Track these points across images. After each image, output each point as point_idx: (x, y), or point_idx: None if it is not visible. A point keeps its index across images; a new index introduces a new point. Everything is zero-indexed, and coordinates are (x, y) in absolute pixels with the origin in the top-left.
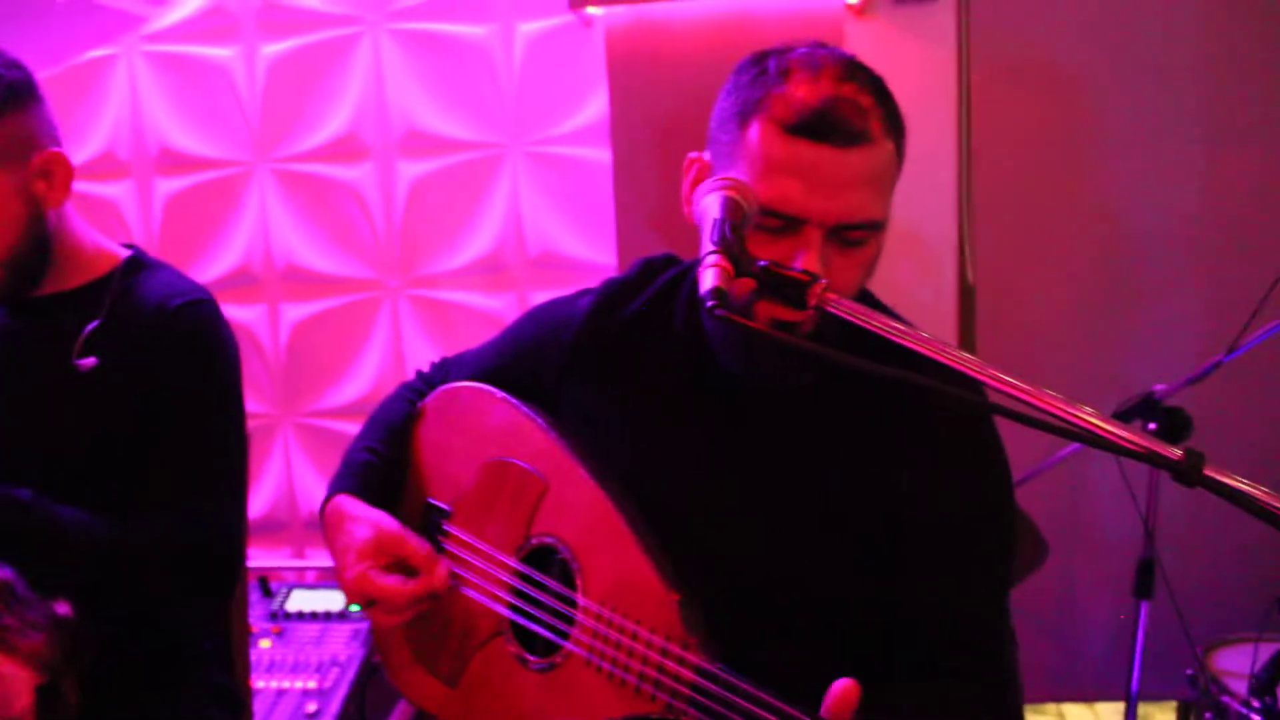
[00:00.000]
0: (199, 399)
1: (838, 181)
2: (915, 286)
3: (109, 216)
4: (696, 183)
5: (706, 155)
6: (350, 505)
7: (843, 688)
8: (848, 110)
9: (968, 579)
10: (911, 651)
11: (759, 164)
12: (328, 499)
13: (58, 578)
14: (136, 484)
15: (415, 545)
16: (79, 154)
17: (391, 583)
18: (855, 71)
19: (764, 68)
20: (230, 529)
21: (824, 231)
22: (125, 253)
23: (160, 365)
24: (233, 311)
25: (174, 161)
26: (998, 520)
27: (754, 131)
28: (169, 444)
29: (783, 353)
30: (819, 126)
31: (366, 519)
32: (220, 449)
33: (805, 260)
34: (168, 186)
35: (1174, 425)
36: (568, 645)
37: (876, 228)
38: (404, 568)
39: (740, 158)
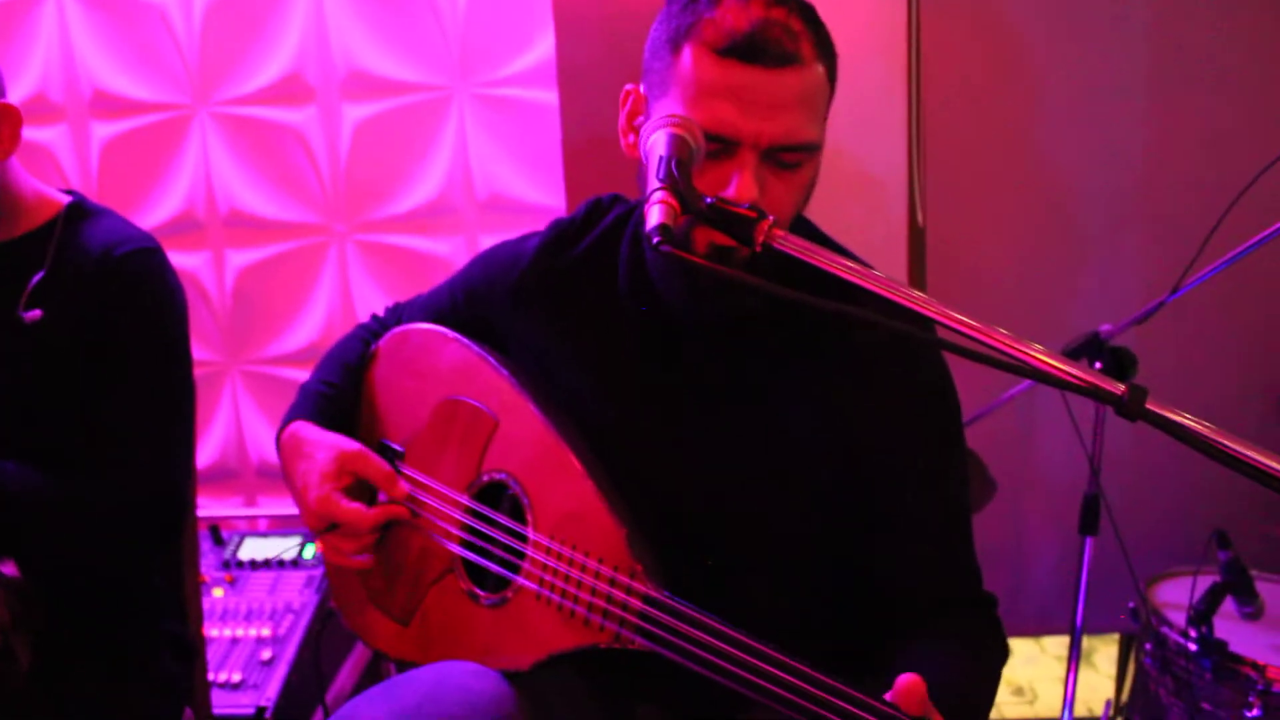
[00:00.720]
0: (145, 348)
1: (771, 102)
2: (866, 227)
3: (44, 162)
4: (633, 115)
5: (641, 87)
6: (308, 431)
7: (909, 681)
8: (778, 32)
9: (937, 510)
10: (892, 586)
11: (691, 88)
12: (283, 427)
13: (2, 534)
14: (82, 435)
15: (377, 462)
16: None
17: (355, 506)
18: None
19: None
20: (176, 478)
21: (758, 154)
22: (66, 199)
23: (106, 315)
24: (177, 259)
25: (110, 105)
26: (954, 448)
27: (686, 57)
28: (115, 394)
29: (724, 284)
30: (750, 48)
31: (325, 442)
32: (167, 398)
33: (740, 182)
34: (105, 131)
35: (1119, 364)
36: (518, 579)
37: (811, 150)
38: (366, 492)
39: (673, 84)
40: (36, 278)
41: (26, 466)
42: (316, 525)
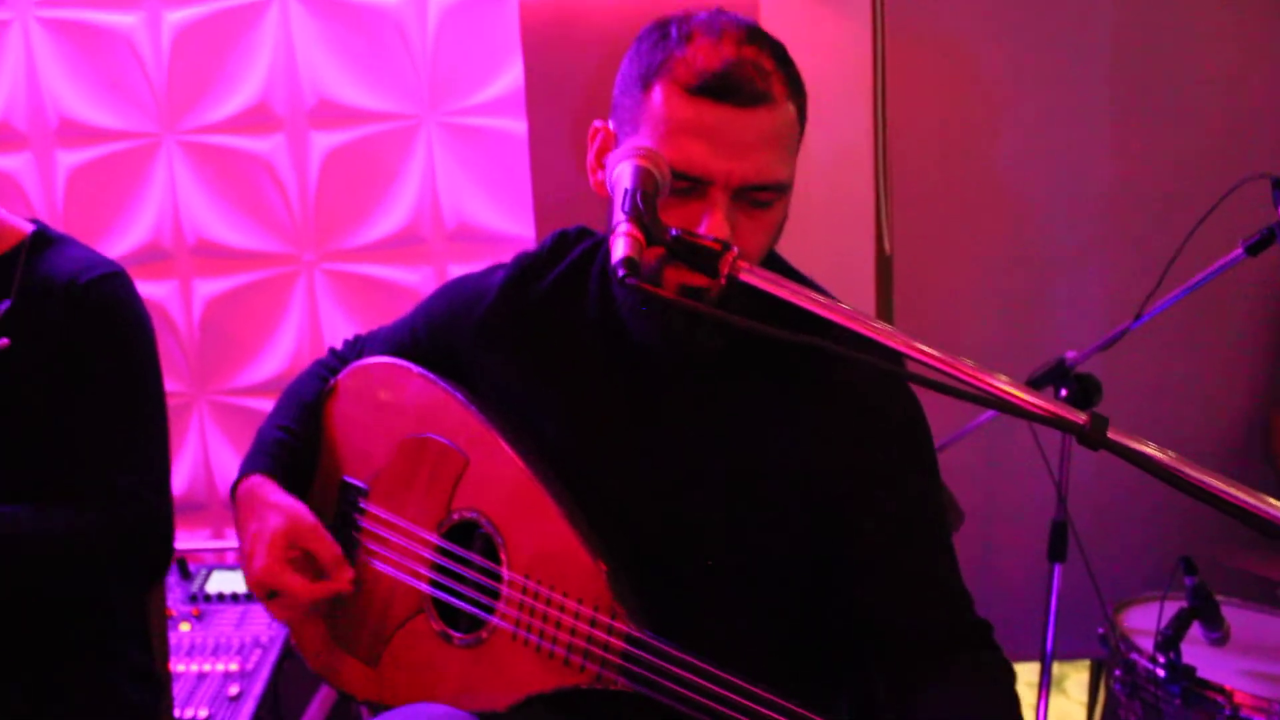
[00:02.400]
0: (117, 374)
1: (741, 142)
2: (833, 255)
3: (9, 190)
4: (602, 152)
5: (610, 124)
6: (264, 488)
7: None
8: (750, 71)
9: (918, 541)
10: (879, 618)
11: (662, 126)
12: (240, 479)
13: None
14: (57, 467)
15: (328, 543)
16: None
17: (297, 580)
18: (756, 35)
19: (666, 32)
20: (159, 506)
21: (729, 193)
22: (29, 228)
23: (74, 342)
24: (144, 288)
25: (76, 133)
26: (930, 478)
27: (657, 94)
28: (90, 423)
29: (692, 320)
30: (721, 87)
31: (281, 506)
32: (143, 425)
33: (711, 221)
34: (70, 159)
35: (1085, 391)
36: (493, 620)
37: (782, 189)
38: (312, 564)
39: (644, 121)
40: (3, 307)
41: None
42: (258, 592)
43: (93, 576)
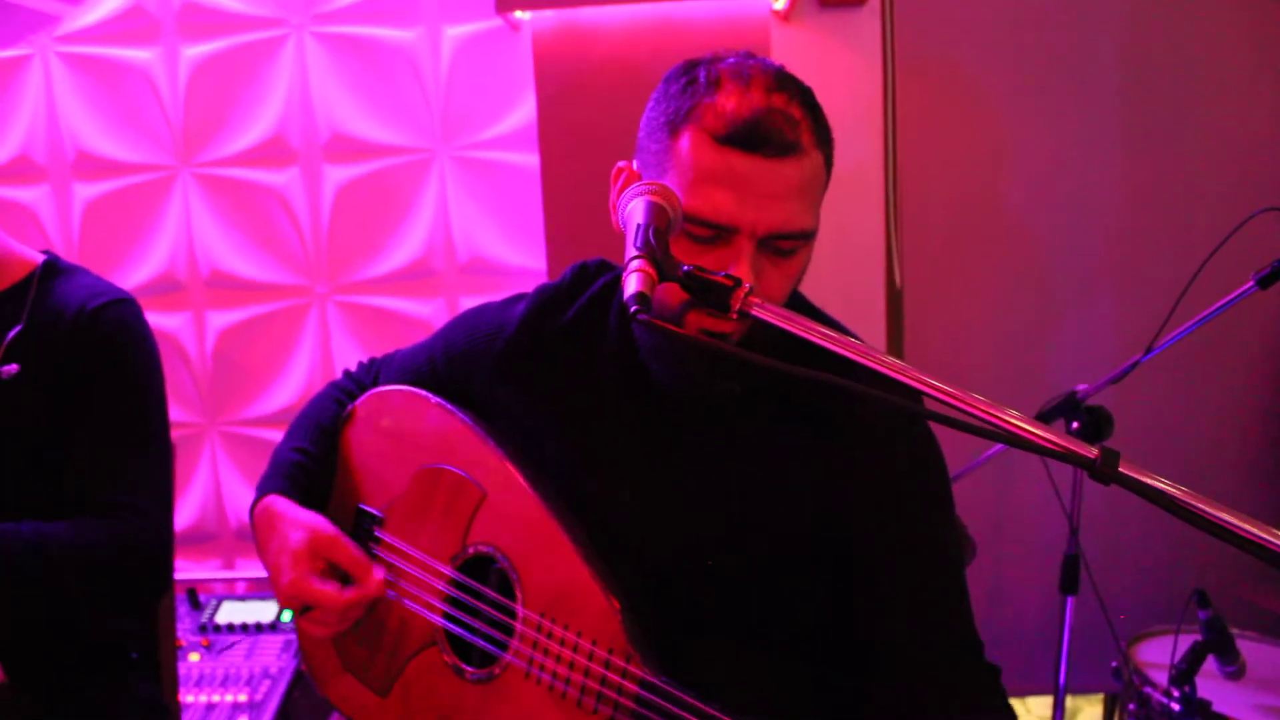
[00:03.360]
0: (123, 398)
1: (769, 192)
2: (844, 289)
3: (26, 222)
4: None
5: (635, 164)
6: (283, 506)
7: None
8: (779, 121)
9: (930, 581)
10: (889, 657)
11: (690, 174)
12: (257, 500)
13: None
14: (61, 487)
15: (351, 550)
16: None
17: (329, 589)
18: (785, 82)
19: (694, 77)
20: (161, 527)
21: (755, 242)
22: (40, 258)
23: (82, 366)
24: (157, 319)
25: (93, 166)
26: (946, 516)
27: (685, 142)
28: (92, 442)
29: (709, 359)
30: (750, 137)
31: (300, 521)
32: (143, 445)
33: (737, 270)
34: (87, 192)
35: (1096, 423)
36: (506, 656)
37: (808, 238)
38: (338, 573)
39: (670, 167)
40: (13, 333)
41: (6, 521)
42: (291, 607)
43: (91, 591)
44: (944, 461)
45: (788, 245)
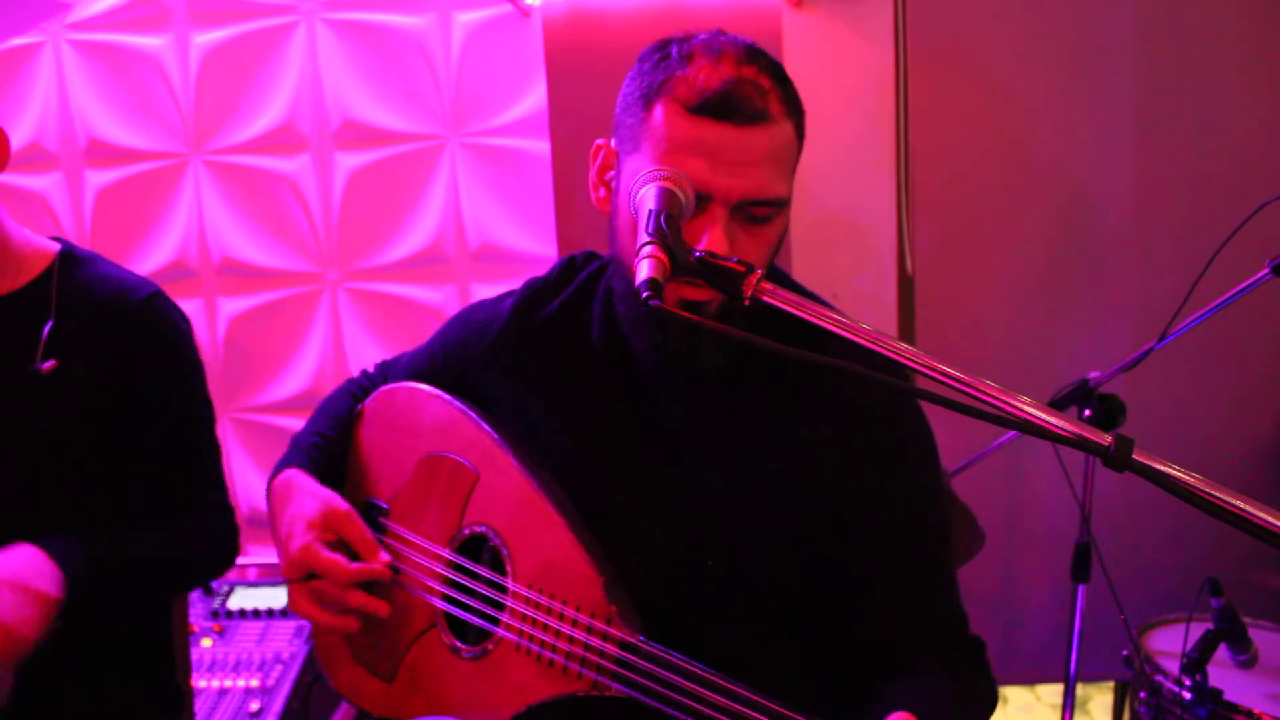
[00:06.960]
0: (189, 395)
1: (740, 159)
2: (856, 276)
3: (38, 209)
4: (603, 170)
5: (612, 142)
6: (300, 479)
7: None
8: (749, 90)
9: (914, 556)
10: (872, 631)
11: (663, 144)
12: (275, 474)
13: (127, 596)
14: (106, 484)
15: (363, 528)
16: None
17: (337, 558)
18: (755, 55)
19: (667, 53)
20: (233, 514)
21: (729, 209)
22: (55, 246)
23: (136, 362)
24: None
25: (104, 153)
26: (931, 494)
27: (658, 113)
28: (168, 445)
29: (693, 335)
30: (721, 106)
31: (317, 494)
32: (211, 439)
33: (711, 236)
34: (98, 179)
35: (1108, 411)
36: (498, 631)
37: (781, 205)
38: (347, 551)
39: (644, 139)
40: (47, 328)
41: (100, 530)
42: (295, 574)
43: (189, 588)
44: (931, 438)
45: (761, 212)
